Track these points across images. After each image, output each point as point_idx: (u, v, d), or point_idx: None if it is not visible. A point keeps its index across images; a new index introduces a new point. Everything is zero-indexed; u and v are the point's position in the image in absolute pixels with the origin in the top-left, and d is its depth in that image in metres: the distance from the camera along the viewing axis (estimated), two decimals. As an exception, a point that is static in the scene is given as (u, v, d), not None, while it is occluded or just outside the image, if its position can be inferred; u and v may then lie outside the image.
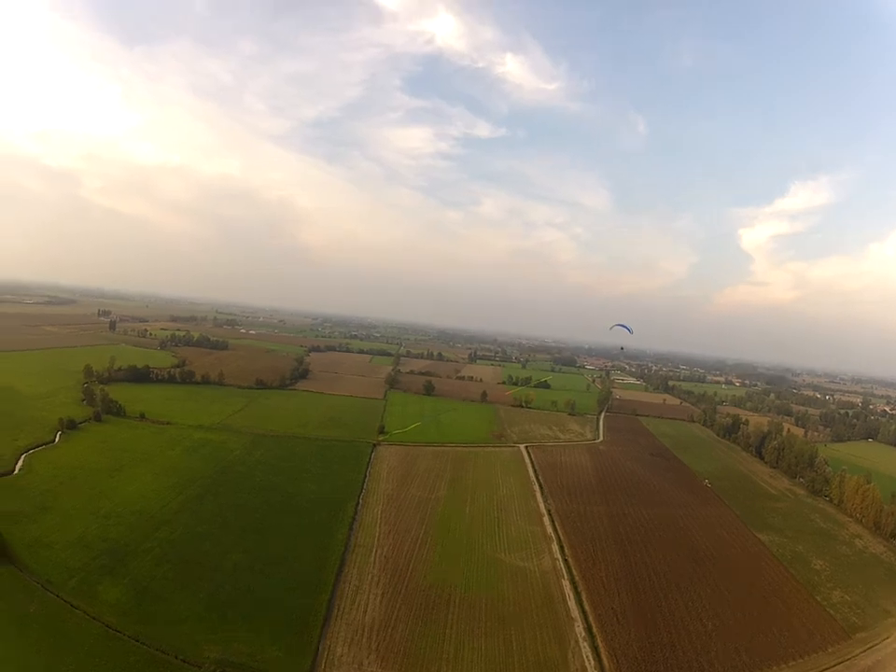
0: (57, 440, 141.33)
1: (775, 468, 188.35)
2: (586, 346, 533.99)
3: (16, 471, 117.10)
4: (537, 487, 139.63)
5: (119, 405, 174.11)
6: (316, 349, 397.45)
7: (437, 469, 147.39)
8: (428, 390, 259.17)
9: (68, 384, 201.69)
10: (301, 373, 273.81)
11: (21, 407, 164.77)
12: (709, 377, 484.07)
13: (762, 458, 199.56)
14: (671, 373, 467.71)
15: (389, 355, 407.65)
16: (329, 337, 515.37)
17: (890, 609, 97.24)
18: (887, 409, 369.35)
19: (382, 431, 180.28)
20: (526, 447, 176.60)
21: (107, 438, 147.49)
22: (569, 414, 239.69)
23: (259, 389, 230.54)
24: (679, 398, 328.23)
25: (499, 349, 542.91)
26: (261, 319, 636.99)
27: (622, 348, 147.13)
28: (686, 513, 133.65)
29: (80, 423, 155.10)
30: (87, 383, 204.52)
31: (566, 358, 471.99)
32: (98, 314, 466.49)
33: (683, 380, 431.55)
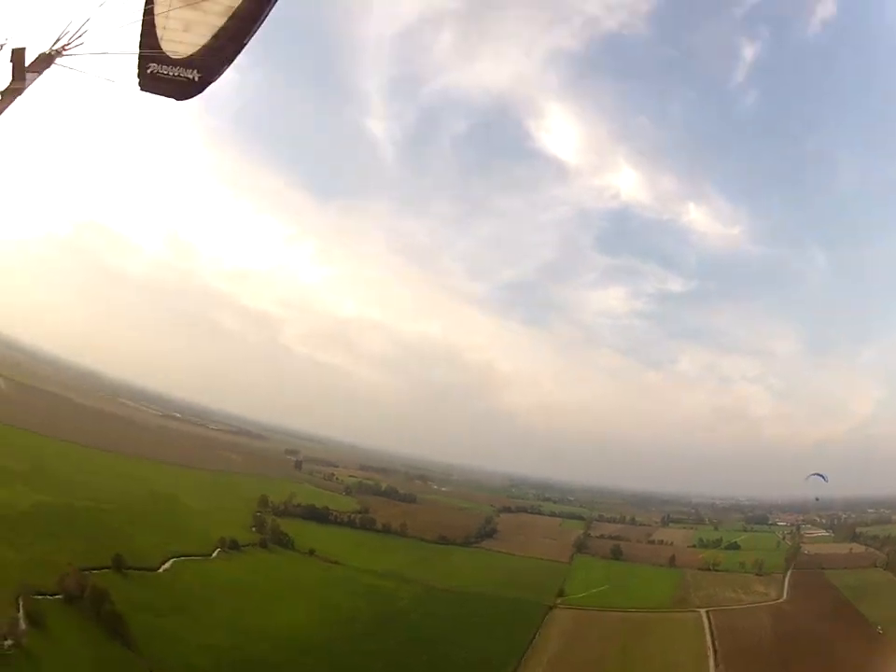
0: (214, 555, 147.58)
1: None
2: (779, 502, 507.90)
3: (160, 570, 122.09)
4: (710, 654, 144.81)
5: (289, 537, 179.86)
6: (507, 510, 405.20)
7: (610, 633, 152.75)
8: (616, 555, 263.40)
9: (238, 507, 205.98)
10: (488, 532, 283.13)
11: (183, 518, 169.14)
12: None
13: None
14: (859, 519, 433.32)
15: (581, 518, 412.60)
16: (523, 498, 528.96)
17: None
18: None
19: (561, 594, 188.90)
20: (707, 612, 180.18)
21: (269, 565, 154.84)
22: (756, 575, 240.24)
23: (440, 544, 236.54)
24: (865, 544, 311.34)
25: (693, 510, 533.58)
26: (455, 477, 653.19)
27: (816, 499, 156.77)
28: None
29: (244, 546, 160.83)
30: (259, 512, 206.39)
31: (758, 517, 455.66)
32: (285, 451, 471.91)
33: (871, 524, 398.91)
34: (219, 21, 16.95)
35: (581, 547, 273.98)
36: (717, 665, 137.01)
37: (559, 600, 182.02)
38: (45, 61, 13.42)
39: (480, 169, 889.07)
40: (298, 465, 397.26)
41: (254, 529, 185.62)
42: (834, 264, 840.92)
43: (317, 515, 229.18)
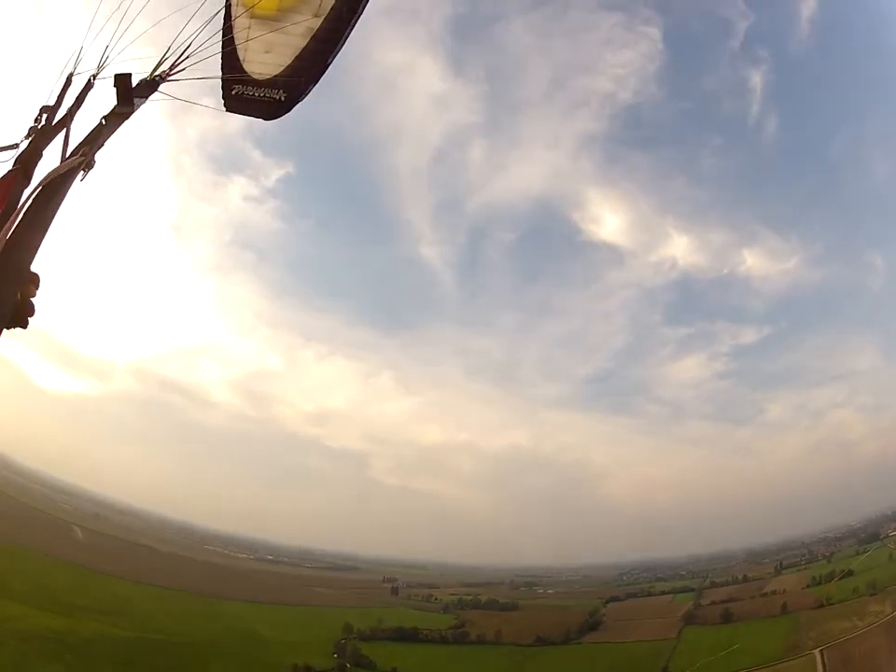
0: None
1: None
2: (890, 512, 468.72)
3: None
4: None
5: (370, 659, 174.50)
6: (616, 599, 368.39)
7: None
8: (726, 619, 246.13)
9: (321, 636, 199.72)
10: (592, 625, 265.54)
11: (257, 649, 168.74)
12: None
13: None
14: None
15: (692, 590, 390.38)
16: (633, 584, 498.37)
17: None
18: None
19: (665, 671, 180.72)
20: (821, 650, 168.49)
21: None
22: (871, 595, 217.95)
23: (537, 646, 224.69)
24: None
25: (805, 551, 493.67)
26: (564, 577, 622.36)
27: None
28: None
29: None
30: (344, 639, 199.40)
31: (869, 536, 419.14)
32: (383, 580, 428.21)
33: None
34: (301, 42, 17.42)
35: (690, 619, 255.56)
36: None
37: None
38: (150, 85, 13.63)
39: (535, 274, 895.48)
40: (394, 591, 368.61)
41: (335, 656, 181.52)
42: (892, 264, 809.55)
43: (406, 635, 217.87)
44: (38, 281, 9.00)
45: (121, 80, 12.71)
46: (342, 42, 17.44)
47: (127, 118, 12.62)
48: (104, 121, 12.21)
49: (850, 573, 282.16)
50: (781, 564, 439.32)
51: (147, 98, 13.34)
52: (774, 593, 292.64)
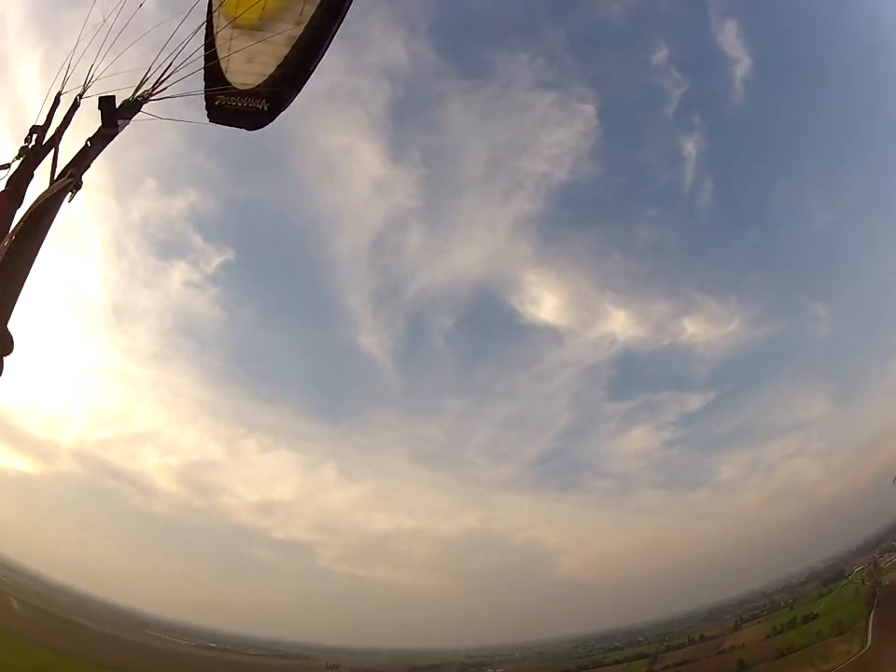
0: None
1: None
2: (855, 548, 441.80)
3: None
4: None
5: None
6: None
7: None
8: None
9: None
10: None
11: None
12: None
13: None
14: None
15: (647, 656, 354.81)
16: (587, 656, 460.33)
17: None
18: None
19: None
20: None
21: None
22: (836, 636, 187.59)
23: None
24: None
25: (767, 600, 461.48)
26: (517, 655, 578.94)
27: None
28: None
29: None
30: None
31: (834, 575, 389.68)
32: (325, 666, 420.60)
33: None
34: (283, 51, 17.83)
35: None
36: None
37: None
38: (133, 106, 14.56)
39: (477, 358, 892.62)
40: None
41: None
42: (836, 311, 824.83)
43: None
44: (11, 342, 9.57)
45: (105, 103, 13.71)
46: (324, 49, 18.16)
47: (111, 139, 13.62)
48: (89, 143, 13.18)
49: (815, 616, 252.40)
50: (741, 618, 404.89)
51: (130, 119, 14.46)
52: (732, 649, 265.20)
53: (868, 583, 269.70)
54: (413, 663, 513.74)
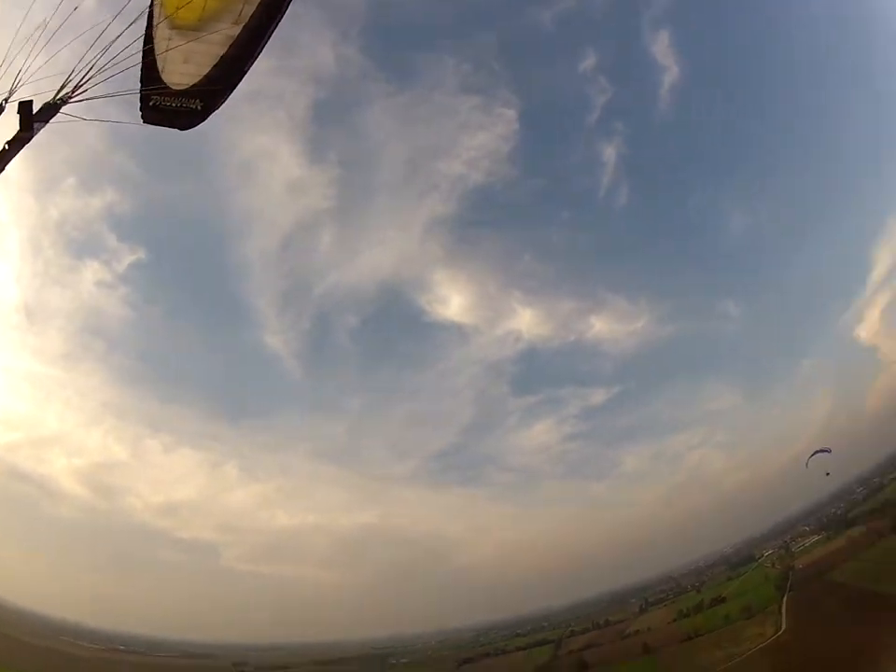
0: None
1: None
2: (764, 533, 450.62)
3: None
4: None
5: None
6: (469, 661, 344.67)
7: None
8: (582, 666, 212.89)
9: None
10: None
11: None
12: (885, 480, 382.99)
13: None
14: (851, 502, 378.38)
15: (551, 642, 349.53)
16: (489, 644, 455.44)
17: None
18: None
19: None
20: None
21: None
22: (746, 619, 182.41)
23: None
24: (866, 524, 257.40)
25: (674, 584, 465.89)
26: (419, 645, 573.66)
27: (827, 474, 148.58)
28: None
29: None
30: None
31: (743, 558, 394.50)
32: (232, 665, 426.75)
33: (861, 503, 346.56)
34: (220, 51, 17.98)
35: (542, 670, 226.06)
36: None
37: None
38: (51, 109, 14.96)
39: (383, 356, 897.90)
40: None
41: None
42: (747, 311, 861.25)
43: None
44: None
45: (22, 107, 14.28)
46: (260, 49, 18.32)
47: (27, 141, 14.10)
48: (6, 146, 13.93)
49: (723, 600, 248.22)
50: (647, 602, 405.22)
51: (47, 122, 14.84)
52: (637, 633, 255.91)
53: (779, 567, 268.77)
54: (318, 657, 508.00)
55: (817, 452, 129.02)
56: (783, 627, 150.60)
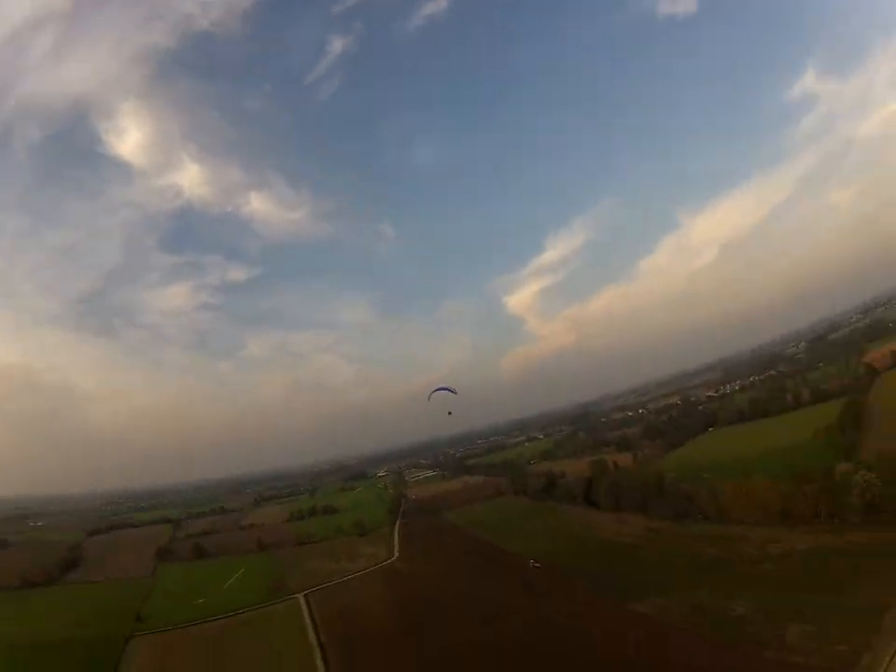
0: None
1: (616, 510, 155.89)
2: (381, 454, 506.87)
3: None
4: (318, 652, 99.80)
5: None
6: (98, 531, 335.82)
7: (197, 654, 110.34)
8: (200, 554, 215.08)
9: None
10: (73, 562, 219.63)
11: None
12: (510, 442, 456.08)
13: (597, 507, 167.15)
14: (469, 451, 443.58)
15: (171, 521, 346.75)
16: (116, 514, 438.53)
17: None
18: (711, 393, 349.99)
19: (139, 619, 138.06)
20: (306, 595, 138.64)
21: None
22: (360, 536, 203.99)
23: (23, 590, 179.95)
24: (481, 474, 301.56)
25: (290, 483, 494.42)
26: (53, 507, 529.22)
27: (449, 413, 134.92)
28: (529, 620, 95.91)
29: None
30: None
31: (356, 473, 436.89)
32: None
33: (483, 454, 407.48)
34: None
35: (165, 554, 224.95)
36: (326, 662, 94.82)
37: (137, 627, 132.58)
38: None
39: (52, 178, 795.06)
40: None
41: None
42: (406, 236, 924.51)
43: None
44: None
45: None
46: None
47: None
48: None
49: (334, 510, 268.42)
50: (261, 496, 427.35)
51: None
52: (252, 526, 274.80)
53: (392, 491, 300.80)
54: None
55: (442, 389, 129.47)
56: (396, 554, 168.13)
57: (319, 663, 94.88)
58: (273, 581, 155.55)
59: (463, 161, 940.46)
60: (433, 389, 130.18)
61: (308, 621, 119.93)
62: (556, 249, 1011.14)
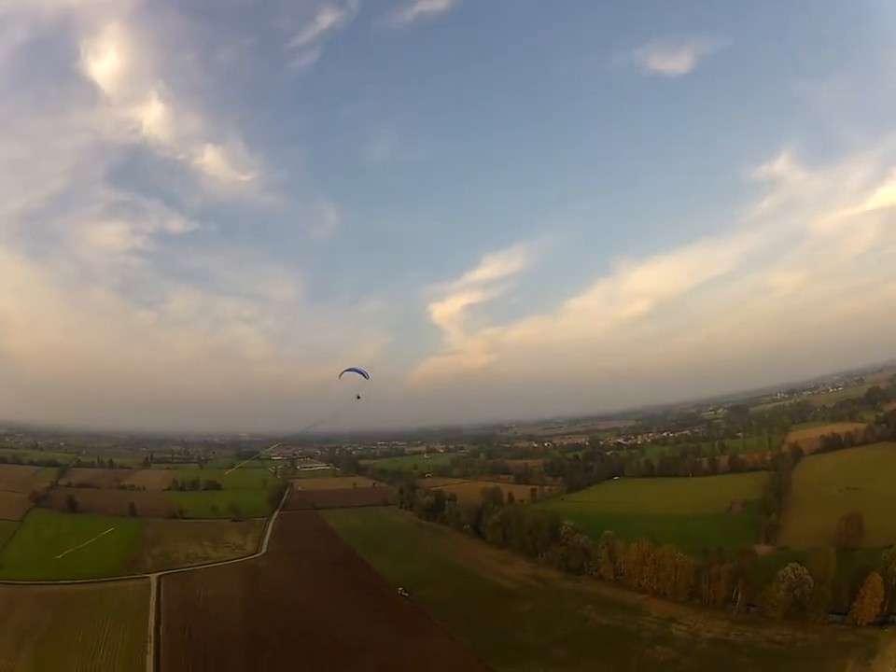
0: None
1: (503, 547, 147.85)
2: (281, 436, 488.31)
3: None
4: (151, 646, 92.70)
5: None
6: None
7: (34, 619, 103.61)
8: (72, 506, 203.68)
9: None
10: None
11: None
12: (409, 449, 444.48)
13: (483, 538, 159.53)
14: (367, 451, 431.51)
15: (59, 465, 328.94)
16: (7, 446, 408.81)
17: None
18: (621, 440, 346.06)
19: None
20: (159, 577, 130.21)
21: None
22: (233, 521, 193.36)
23: None
24: (373, 478, 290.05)
25: (184, 450, 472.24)
26: None
27: (358, 397, 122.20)
28: (382, 662, 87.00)
29: None
30: None
31: (249, 452, 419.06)
32: None
33: (380, 457, 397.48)
34: None
35: (40, 499, 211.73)
36: (156, 657, 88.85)
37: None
38: None
39: (21, 86, 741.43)
40: None
41: None
42: (347, 224, 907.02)
43: None
44: None
45: None
46: None
47: None
48: None
49: (218, 486, 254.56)
50: (152, 457, 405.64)
51: None
52: (133, 487, 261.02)
53: (280, 479, 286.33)
54: None
55: (355, 370, 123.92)
56: (264, 549, 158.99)
57: (150, 660, 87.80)
58: (132, 555, 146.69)
59: (420, 162, 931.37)
60: (346, 368, 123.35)
61: (153, 606, 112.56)
62: (491, 268, 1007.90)
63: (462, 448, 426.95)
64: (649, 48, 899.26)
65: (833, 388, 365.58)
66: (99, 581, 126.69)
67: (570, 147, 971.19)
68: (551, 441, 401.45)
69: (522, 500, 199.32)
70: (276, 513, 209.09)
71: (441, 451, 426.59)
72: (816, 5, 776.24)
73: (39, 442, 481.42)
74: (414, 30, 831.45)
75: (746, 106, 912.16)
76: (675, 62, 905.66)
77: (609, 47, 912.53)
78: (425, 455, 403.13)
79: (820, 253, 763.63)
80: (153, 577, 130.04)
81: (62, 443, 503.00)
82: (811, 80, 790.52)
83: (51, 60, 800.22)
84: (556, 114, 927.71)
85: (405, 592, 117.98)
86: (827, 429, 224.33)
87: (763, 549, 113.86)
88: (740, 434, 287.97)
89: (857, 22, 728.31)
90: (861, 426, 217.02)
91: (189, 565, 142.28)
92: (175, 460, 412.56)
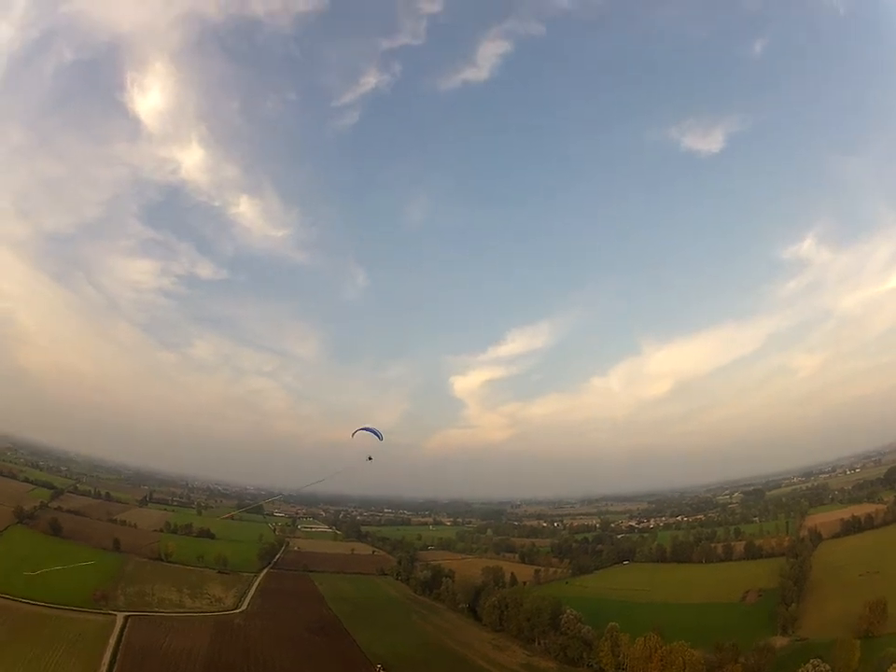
0: None
1: (499, 631, 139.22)
2: (286, 492, 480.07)
3: None
4: None
5: None
6: None
7: None
8: (56, 530, 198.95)
9: None
10: None
11: None
12: (416, 519, 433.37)
13: (479, 619, 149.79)
14: (372, 517, 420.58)
15: (55, 488, 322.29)
16: (9, 461, 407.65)
17: None
18: (633, 523, 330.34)
19: None
20: (127, 616, 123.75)
21: None
22: (219, 572, 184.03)
23: None
24: (373, 546, 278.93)
25: (185, 493, 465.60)
26: None
27: (370, 458, 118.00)
28: None
29: None
30: None
31: (252, 505, 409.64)
32: None
33: (385, 524, 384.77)
34: None
35: (26, 517, 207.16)
36: None
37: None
38: None
39: (66, 105, 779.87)
40: None
41: None
42: (375, 287, 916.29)
43: None
44: None
45: None
46: None
47: None
48: None
49: (211, 535, 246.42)
50: (151, 496, 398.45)
51: None
52: (124, 523, 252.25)
53: (277, 535, 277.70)
54: None
55: (369, 430, 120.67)
56: (245, 606, 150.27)
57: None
58: (105, 589, 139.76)
59: (453, 229, 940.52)
60: (360, 427, 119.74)
61: (111, 644, 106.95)
62: (516, 344, 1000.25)
63: (470, 522, 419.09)
64: (683, 126, 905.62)
65: (850, 470, 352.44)
66: (63, 608, 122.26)
67: (601, 222, 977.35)
68: (561, 521, 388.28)
69: (524, 582, 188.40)
70: (266, 570, 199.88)
71: (448, 524, 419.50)
72: (842, 78, 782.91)
73: (40, 462, 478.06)
74: (458, 97, 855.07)
75: (774, 185, 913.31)
76: (708, 140, 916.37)
77: (645, 123, 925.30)
78: (430, 527, 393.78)
79: (842, 333, 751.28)
80: (120, 615, 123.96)
81: (62, 467, 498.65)
82: (840, 154, 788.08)
83: (98, 86, 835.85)
84: (589, 188, 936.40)
85: (383, 670, 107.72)
86: (847, 512, 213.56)
87: (780, 641, 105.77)
88: (756, 519, 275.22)
89: (886, 94, 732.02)
90: (882, 507, 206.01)
91: (161, 610, 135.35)
92: (175, 502, 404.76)
